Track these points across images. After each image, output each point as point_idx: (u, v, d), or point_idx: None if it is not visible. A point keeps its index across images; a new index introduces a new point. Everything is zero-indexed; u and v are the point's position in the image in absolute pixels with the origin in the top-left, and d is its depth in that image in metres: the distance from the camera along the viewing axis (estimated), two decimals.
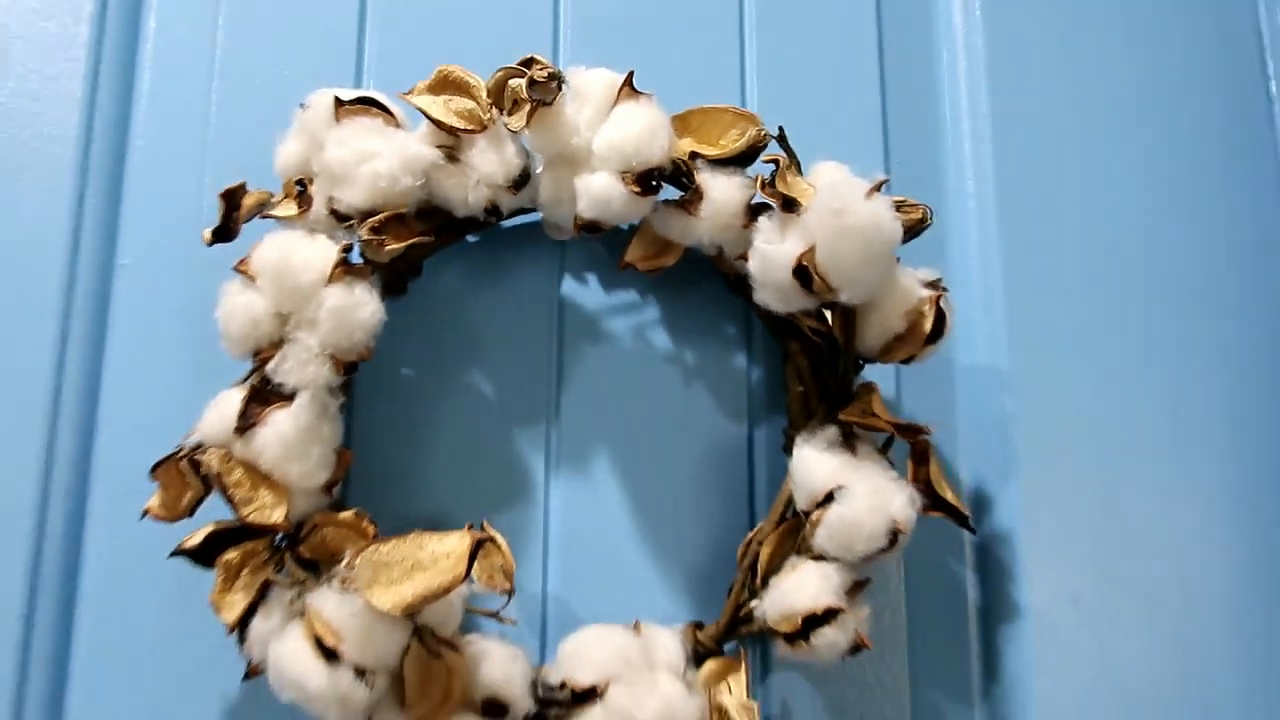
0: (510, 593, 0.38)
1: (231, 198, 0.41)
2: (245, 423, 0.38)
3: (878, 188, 0.39)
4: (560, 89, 0.40)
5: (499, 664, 0.39)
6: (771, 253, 0.40)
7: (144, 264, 0.46)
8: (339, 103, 0.41)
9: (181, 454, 0.39)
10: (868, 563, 0.41)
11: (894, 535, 0.40)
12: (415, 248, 0.42)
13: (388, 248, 0.40)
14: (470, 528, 0.37)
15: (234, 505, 0.38)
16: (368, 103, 0.41)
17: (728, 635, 0.43)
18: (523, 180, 0.42)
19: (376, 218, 0.40)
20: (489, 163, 0.41)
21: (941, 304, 0.41)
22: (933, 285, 0.42)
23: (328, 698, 0.36)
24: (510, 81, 0.41)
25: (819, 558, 0.41)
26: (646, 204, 0.42)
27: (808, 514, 0.41)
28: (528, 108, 0.40)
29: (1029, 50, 0.53)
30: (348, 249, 0.40)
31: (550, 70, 0.40)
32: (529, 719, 0.39)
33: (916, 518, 0.41)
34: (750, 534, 0.44)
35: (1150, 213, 0.52)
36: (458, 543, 0.36)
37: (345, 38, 0.49)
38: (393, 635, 0.37)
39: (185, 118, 0.47)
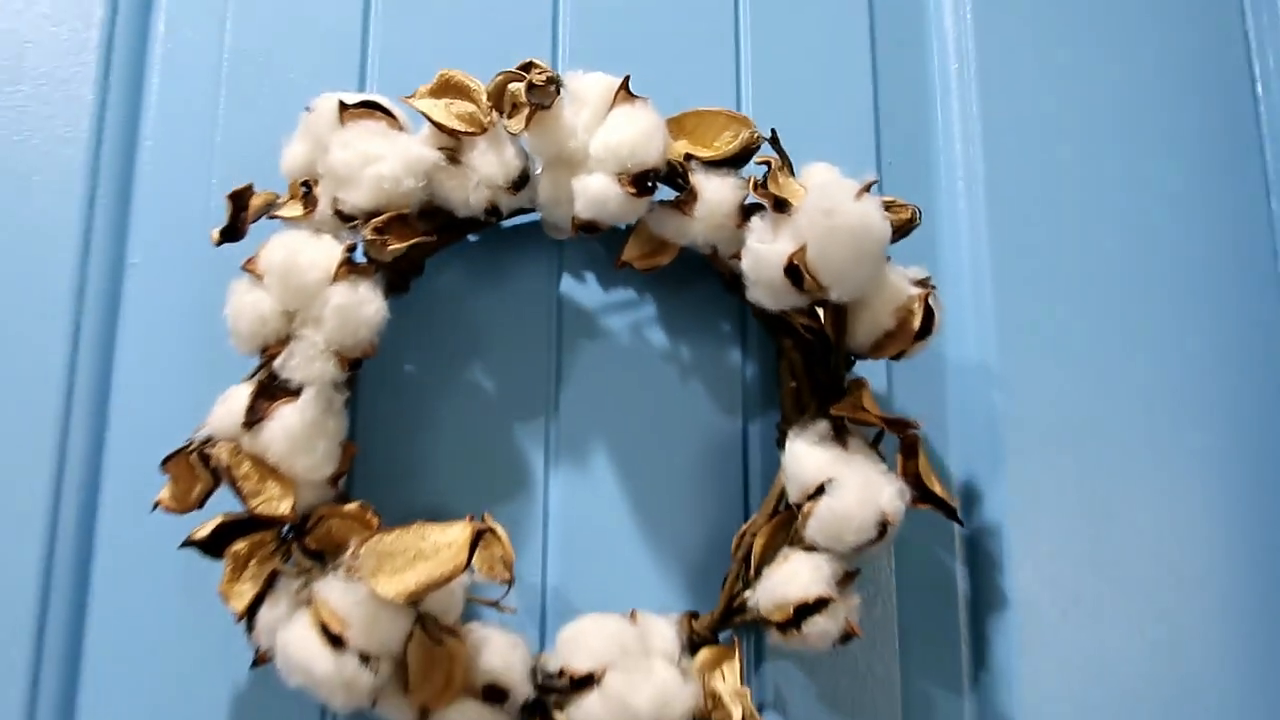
0: (510, 582, 0.38)
1: (239, 198, 0.42)
2: (253, 417, 0.38)
3: (867, 188, 0.40)
4: (558, 93, 0.41)
5: (499, 651, 0.39)
6: (764, 252, 0.41)
7: (153, 263, 0.47)
8: (343, 106, 0.41)
9: (191, 447, 0.39)
10: (858, 554, 0.41)
11: (883, 527, 0.40)
12: (417, 247, 0.42)
13: (391, 247, 0.41)
14: (471, 519, 0.37)
15: (242, 497, 0.38)
16: (371, 106, 0.42)
17: (722, 624, 0.43)
18: (522, 181, 0.42)
19: (380, 218, 0.41)
20: (489, 164, 0.41)
21: (930, 301, 0.41)
22: (922, 283, 0.42)
23: (334, 683, 0.36)
24: (510, 85, 0.41)
25: (810, 549, 0.41)
26: (642, 204, 0.42)
27: (799, 506, 0.41)
28: (527, 111, 0.41)
29: (1019, 52, 0.53)
30: (352, 249, 0.41)
31: (549, 74, 0.40)
32: (528, 705, 0.40)
33: (906, 510, 0.41)
34: (744, 526, 0.44)
35: (1138, 211, 0.52)
36: (459, 533, 0.37)
37: (349, 42, 0.49)
38: (396, 622, 0.37)
39: (193, 120, 0.48)
